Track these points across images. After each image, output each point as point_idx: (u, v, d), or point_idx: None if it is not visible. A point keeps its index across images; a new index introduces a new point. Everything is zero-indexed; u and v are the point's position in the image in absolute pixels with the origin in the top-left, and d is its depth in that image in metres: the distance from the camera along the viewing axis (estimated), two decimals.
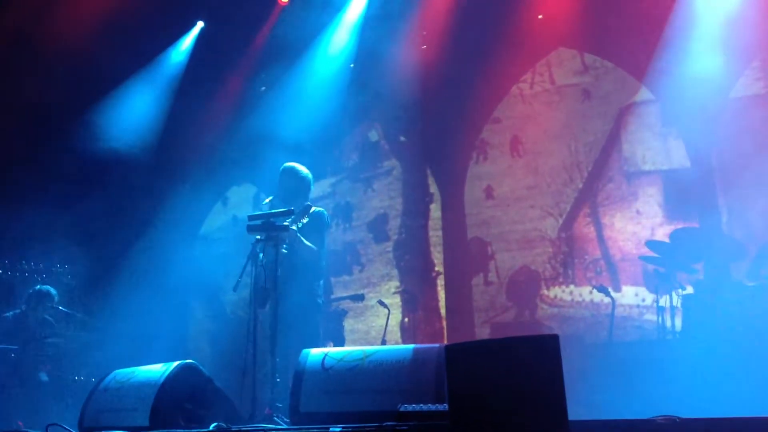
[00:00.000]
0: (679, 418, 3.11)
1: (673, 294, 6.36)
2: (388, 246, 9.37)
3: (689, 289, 6.32)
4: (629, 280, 7.70)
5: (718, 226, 7.27)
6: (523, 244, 8.51)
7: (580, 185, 8.29)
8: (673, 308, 6.29)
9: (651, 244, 6.84)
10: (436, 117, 8.98)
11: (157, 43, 9.60)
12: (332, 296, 9.18)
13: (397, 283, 9.15)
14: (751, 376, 4.95)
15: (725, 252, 6.25)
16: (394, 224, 9.38)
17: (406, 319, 8.87)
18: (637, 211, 7.89)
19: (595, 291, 7.45)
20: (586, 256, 8.12)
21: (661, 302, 6.48)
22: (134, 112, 9.38)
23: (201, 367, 4.94)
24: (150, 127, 9.55)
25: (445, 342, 8.01)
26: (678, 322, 6.31)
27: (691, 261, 6.28)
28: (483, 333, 8.36)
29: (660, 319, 6.36)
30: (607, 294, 7.17)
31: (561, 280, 8.22)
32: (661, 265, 6.53)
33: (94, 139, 8.90)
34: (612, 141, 8.16)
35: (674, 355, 5.69)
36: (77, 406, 5.08)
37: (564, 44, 8.57)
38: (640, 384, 5.31)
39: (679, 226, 7.37)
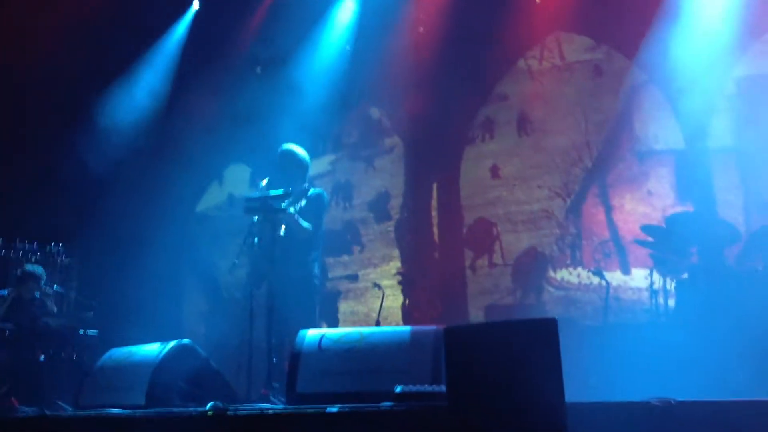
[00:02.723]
0: (674, 400, 3.27)
1: (668, 278, 6.52)
2: (390, 225, 9.48)
3: (684, 274, 6.46)
4: (639, 263, 7.75)
5: (713, 210, 7.44)
6: (529, 225, 8.60)
7: (590, 165, 8.38)
8: (666, 292, 6.46)
9: (646, 228, 6.96)
10: (437, 95, 9.03)
11: (153, 26, 9.80)
12: (328, 277, 9.34)
13: (398, 264, 9.28)
14: (742, 361, 5.12)
15: (719, 236, 6.39)
16: (396, 203, 9.48)
17: (407, 301, 9.02)
18: (648, 192, 7.98)
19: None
20: (594, 238, 8.23)
21: (656, 286, 6.63)
22: (133, 95, 9.61)
23: (197, 347, 5.13)
24: (148, 108, 9.74)
25: (444, 324, 8.15)
26: (673, 306, 6.48)
27: (685, 245, 6.42)
28: (483, 316, 8.50)
29: (654, 302, 6.53)
30: (602, 277, 7.31)
31: (568, 262, 8.33)
32: (656, 249, 6.66)
33: (92, 122, 9.11)
34: (623, 119, 8.21)
35: (670, 338, 5.87)
36: (73, 384, 5.30)
37: (562, 28, 8.69)
38: (642, 366, 5.47)
39: (692, 207, 7.53)
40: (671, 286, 6.51)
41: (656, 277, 6.65)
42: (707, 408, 3.27)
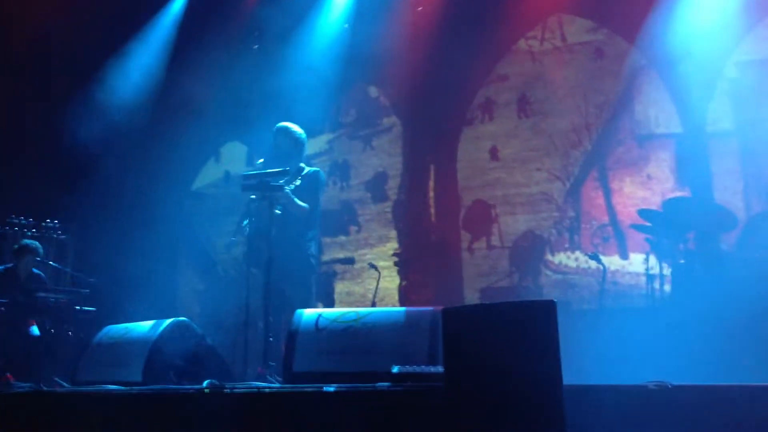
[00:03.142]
0: (670, 384, 3.31)
1: (664, 263, 6.57)
2: (387, 206, 9.51)
3: (680, 259, 6.51)
4: (638, 248, 7.77)
5: (710, 195, 7.49)
6: (528, 208, 8.64)
7: (589, 148, 8.40)
8: (662, 277, 6.51)
9: (643, 212, 7.00)
10: (436, 75, 9.00)
11: (150, 2, 9.75)
12: (324, 258, 9.36)
13: (395, 245, 9.32)
14: (739, 345, 5.18)
15: (716, 222, 6.44)
16: (394, 184, 9.50)
17: (404, 282, 9.06)
18: (648, 176, 8.01)
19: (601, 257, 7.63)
20: (593, 222, 8.27)
21: (652, 271, 6.68)
22: (131, 72, 9.62)
23: (194, 325, 5.17)
24: (144, 84, 9.73)
25: (441, 306, 8.18)
26: (669, 291, 6.54)
27: (682, 230, 6.46)
28: (480, 298, 8.54)
29: (650, 287, 6.58)
30: (599, 261, 7.35)
31: (566, 245, 8.36)
32: (653, 234, 6.70)
33: (89, 98, 9.11)
34: (624, 102, 8.24)
35: (666, 323, 5.95)
36: (68, 360, 5.33)
37: (563, 10, 8.68)
38: (639, 350, 5.53)
39: (691, 192, 7.58)
40: (667, 271, 6.57)
41: (653, 261, 6.70)
42: (703, 392, 3.31)
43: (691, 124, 7.87)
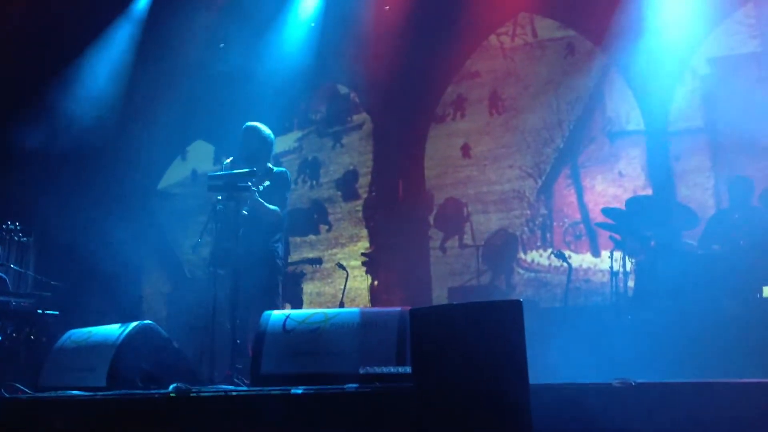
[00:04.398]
0: (634, 381, 3.42)
1: (627, 260, 6.70)
2: (358, 205, 9.56)
3: (642, 256, 6.64)
4: (610, 246, 7.85)
5: (672, 194, 7.67)
6: (500, 206, 8.74)
7: (561, 145, 8.51)
8: (626, 274, 6.65)
9: (606, 210, 7.13)
10: (406, 72, 9.08)
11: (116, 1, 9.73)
12: (292, 258, 9.40)
13: (367, 244, 9.38)
14: (699, 343, 5.32)
15: (678, 220, 6.57)
16: (364, 182, 9.56)
17: (376, 282, 9.13)
18: (620, 173, 8.15)
19: (572, 255, 7.75)
20: (566, 219, 8.39)
21: (616, 268, 6.80)
22: (96, 70, 9.59)
23: (159, 328, 5.19)
24: (111, 84, 9.71)
25: (412, 305, 8.23)
26: (632, 288, 6.68)
27: (645, 228, 6.58)
28: (452, 297, 8.61)
29: (615, 284, 6.71)
30: (564, 260, 7.46)
31: (539, 244, 8.48)
32: (617, 231, 6.82)
33: (52, 98, 9.08)
34: (596, 99, 8.36)
35: (630, 320, 6.08)
36: (30, 365, 5.33)
37: (530, 10, 8.81)
38: (605, 348, 5.65)
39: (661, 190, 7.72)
40: (632, 268, 6.70)
41: (616, 259, 6.82)
42: (665, 389, 3.42)
43: (654, 122, 8.03)
